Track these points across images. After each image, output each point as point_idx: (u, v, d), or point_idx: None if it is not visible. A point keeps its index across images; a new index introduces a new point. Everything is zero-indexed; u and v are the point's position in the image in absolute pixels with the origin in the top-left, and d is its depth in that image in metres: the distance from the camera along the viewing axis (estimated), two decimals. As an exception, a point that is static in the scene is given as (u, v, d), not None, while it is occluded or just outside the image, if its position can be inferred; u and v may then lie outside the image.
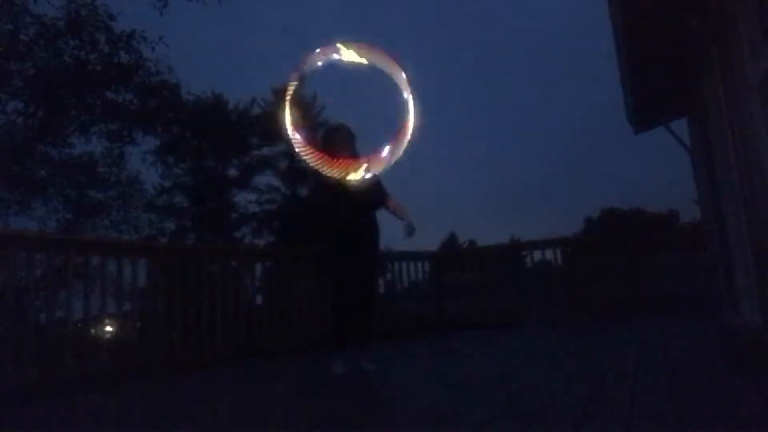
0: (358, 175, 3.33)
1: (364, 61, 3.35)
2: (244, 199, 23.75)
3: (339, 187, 3.50)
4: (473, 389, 2.82)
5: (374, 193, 3.78)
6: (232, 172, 23.33)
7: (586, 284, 7.74)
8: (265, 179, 24.42)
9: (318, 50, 3.36)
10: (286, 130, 3.29)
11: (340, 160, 3.34)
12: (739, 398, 2.19)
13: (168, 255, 5.20)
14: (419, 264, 7.92)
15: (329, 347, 3.86)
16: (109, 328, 6.02)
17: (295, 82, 3.38)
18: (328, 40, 3.39)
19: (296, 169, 22.13)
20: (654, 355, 3.80)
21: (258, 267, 6.43)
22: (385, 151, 3.27)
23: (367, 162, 3.34)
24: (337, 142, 3.73)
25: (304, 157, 3.34)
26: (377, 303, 4.02)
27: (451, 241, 45.56)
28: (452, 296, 8.30)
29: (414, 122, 3.23)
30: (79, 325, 4.67)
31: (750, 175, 3.80)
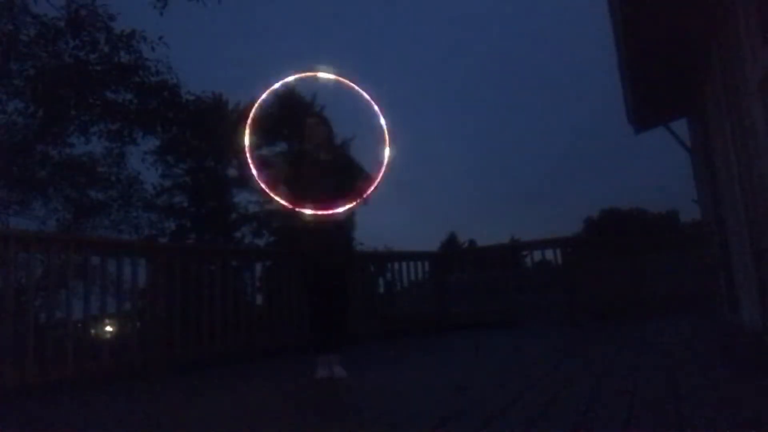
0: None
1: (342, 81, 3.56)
2: (244, 199, 23.75)
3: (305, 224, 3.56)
4: (473, 389, 2.82)
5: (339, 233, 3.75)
6: (232, 172, 23.33)
7: (586, 284, 7.74)
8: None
9: (295, 75, 3.59)
10: (247, 154, 3.44)
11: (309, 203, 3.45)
12: (739, 398, 2.19)
13: (168, 255, 5.20)
14: (419, 264, 7.92)
15: (312, 351, 3.72)
16: (109, 328, 6.01)
17: (261, 101, 3.57)
18: (309, 66, 3.59)
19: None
20: (654, 355, 3.80)
21: (258, 267, 6.43)
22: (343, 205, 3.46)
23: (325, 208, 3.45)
24: (311, 135, 3.80)
25: (269, 195, 3.46)
26: (348, 308, 3.94)
27: (451, 241, 45.54)
28: (452, 296, 8.30)
29: (384, 169, 3.45)
30: (79, 325, 4.66)
31: (750, 174, 3.80)
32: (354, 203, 3.47)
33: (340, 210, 3.46)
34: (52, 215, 12.94)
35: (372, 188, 3.46)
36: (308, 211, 3.42)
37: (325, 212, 3.43)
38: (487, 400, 2.48)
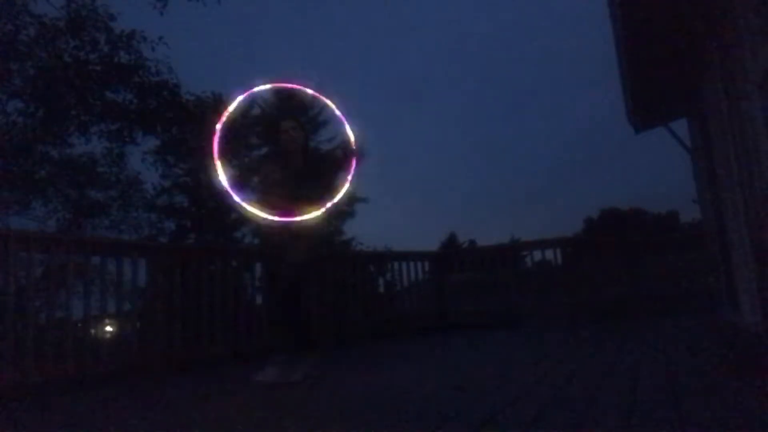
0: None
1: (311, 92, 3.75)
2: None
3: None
4: (473, 389, 2.82)
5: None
6: (232, 172, 23.27)
7: (586, 284, 7.75)
8: (264, 179, 24.24)
9: (269, 85, 3.74)
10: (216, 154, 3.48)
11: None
12: (739, 398, 2.19)
13: (168, 255, 5.20)
14: (419, 264, 7.92)
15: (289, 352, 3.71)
16: (109, 328, 6.02)
17: (236, 104, 3.60)
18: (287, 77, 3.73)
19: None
20: (654, 355, 3.80)
21: (258, 267, 6.43)
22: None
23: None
24: (287, 140, 3.87)
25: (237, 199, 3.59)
26: (301, 314, 3.87)
27: (451, 241, 45.48)
28: (452, 296, 8.30)
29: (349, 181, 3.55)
30: (79, 325, 4.66)
31: (750, 175, 3.80)
32: (319, 211, 3.49)
33: (299, 218, 3.49)
34: (52, 215, 12.95)
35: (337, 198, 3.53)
36: (269, 216, 3.48)
37: (283, 219, 3.49)
38: (487, 400, 2.48)
